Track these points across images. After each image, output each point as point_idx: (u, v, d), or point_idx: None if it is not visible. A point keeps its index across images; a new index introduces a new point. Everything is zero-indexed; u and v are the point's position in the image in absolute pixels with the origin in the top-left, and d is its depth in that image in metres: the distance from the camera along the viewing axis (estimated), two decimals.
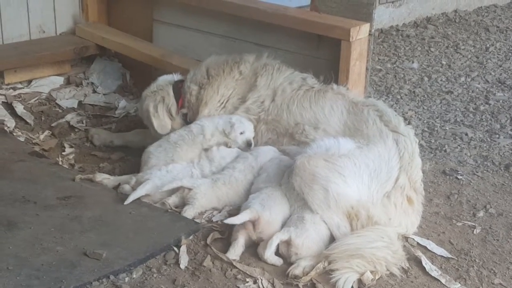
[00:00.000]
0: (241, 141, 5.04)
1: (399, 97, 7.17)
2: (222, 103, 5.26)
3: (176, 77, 5.53)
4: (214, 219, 4.50)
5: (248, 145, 5.05)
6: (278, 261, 4.15)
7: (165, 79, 5.53)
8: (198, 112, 5.29)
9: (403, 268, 4.20)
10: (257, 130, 5.12)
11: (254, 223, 4.23)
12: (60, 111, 6.24)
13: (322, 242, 4.25)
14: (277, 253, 4.20)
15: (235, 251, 4.17)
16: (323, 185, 4.35)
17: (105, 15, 7.16)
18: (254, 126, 5.11)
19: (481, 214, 4.95)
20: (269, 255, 4.12)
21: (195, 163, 4.89)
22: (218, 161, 4.91)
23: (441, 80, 7.69)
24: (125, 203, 4.55)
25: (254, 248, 4.23)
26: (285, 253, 4.18)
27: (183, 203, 4.59)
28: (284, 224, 4.33)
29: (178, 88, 5.41)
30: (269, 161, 4.81)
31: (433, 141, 6.15)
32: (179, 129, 5.20)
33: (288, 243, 4.16)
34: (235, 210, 4.57)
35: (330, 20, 5.39)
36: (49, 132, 5.85)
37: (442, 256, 4.41)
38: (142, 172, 4.85)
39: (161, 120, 5.36)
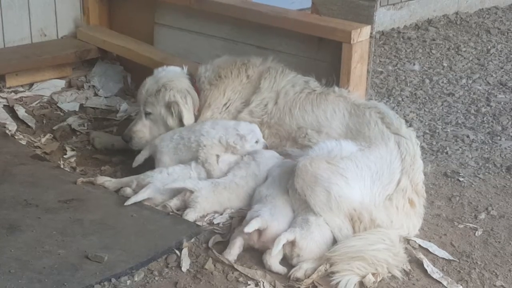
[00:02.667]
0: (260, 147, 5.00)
1: (400, 99, 7.16)
2: (227, 106, 5.25)
3: (185, 70, 5.44)
4: (215, 222, 4.51)
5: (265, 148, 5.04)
6: (282, 269, 4.14)
7: (177, 71, 5.42)
8: (200, 113, 5.28)
9: (404, 270, 4.20)
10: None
11: (261, 232, 4.22)
12: (61, 114, 6.24)
13: (325, 245, 4.24)
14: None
15: (232, 252, 4.17)
16: (325, 187, 4.35)
17: (106, 18, 7.17)
18: None
19: (482, 216, 4.95)
20: (275, 254, 4.10)
21: (193, 166, 4.88)
22: (219, 169, 4.90)
23: (443, 82, 7.68)
24: (125, 204, 4.57)
25: (255, 251, 4.23)
26: (288, 253, 4.17)
27: (184, 206, 4.59)
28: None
29: (193, 84, 5.37)
30: (273, 167, 4.80)
31: (434, 143, 6.15)
32: (183, 130, 5.13)
33: (292, 243, 4.16)
34: (237, 213, 4.57)
35: (331, 23, 5.40)
36: (50, 135, 5.85)
37: (443, 258, 4.41)
38: (143, 174, 4.86)
39: (190, 113, 5.27)
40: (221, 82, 5.29)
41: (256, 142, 4.98)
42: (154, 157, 5.06)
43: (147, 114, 5.33)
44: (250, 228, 4.16)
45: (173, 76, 5.35)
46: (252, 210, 4.42)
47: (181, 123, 5.24)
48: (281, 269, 4.13)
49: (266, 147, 5.02)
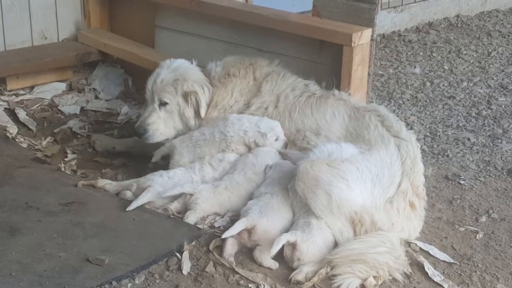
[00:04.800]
0: (278, 147, 5.01)
1: (401, 102, 7.17)
2: (232, 107, 5.24)
3: (195, 63, 5.43)
4: (216, 225, 4.51)
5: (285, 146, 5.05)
6: (273, 264, 4.15)
7: (189, 64, 5.40)
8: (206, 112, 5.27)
9: (405, 273, 4.20)
10: None
11: (250, 231, 4.22)
12: (62, 117, 6.25)
13: (326, 248, 4.24)
14: (276, 257, 4.21)
15: (226, 253, 4.18)
16: (326, 190, 4.34)
17: (107, 21, 7.17)
18: None
19: (483, 219, 4.95)
20: (273, 254, 4.09)
21: (197, 169, 4.88)
22: (222, 168, 4.90)
23: (443, 85, 7.68)
24: (127, 209, 4.56)
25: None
26: (289, 256, 4.18)
27: (185, 209, 4.59)
28: (285, 231, 4.30)
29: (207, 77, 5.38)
30: (271, 169, 4.80)
31: (435, 146, 6.15)
32: (203, 127, 5.12)
33: (293, 246, 4.16)
34: (237, 216, 4.56)
35: (332, 26, 5.40)
36: (51, 138, 5.85)
37: (444, 261, 4.41)
38: (143, 178, 4.86)
39: (206, 105, 5.26)
40: (229, 81, 5.28)
41: (276, 139, 4.99)
42: (171, 157, 5.04)
43: (162, 104, 5.25)
44: (234, 230, 4.18)
45: (188, 67, 5.35)
46: (245, 206, 4.45)
47: (197, 114, 5.23)
48: (272, 263, 4.13)
49: (286, 145, 5.04)
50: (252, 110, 5.17)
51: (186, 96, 5.20)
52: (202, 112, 5.20)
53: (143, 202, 4.61)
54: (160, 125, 5.25)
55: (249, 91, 5.26)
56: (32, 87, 6.55)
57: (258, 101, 5.18)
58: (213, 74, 5.35)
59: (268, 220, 4.29)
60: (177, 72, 5.27)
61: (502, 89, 7.64)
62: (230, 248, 4.21)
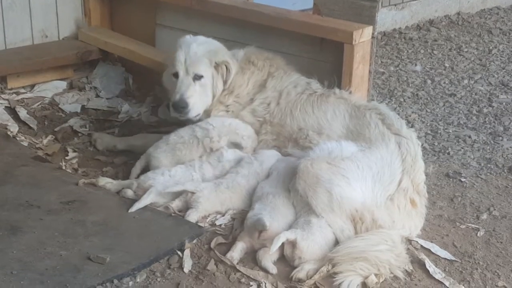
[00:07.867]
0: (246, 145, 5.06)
1: (402, 100, 7.16)
2: (243, 97, 5.26)
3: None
4: (217, 223, 4.51)
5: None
6: (271, 267, 4.13)
7: (211, 39, 5.46)
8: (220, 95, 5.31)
9: (406, 271, 4.20)
10: (262, 132, 5.13)
11: (261, 231, 4.22)
12: (63, 115, 6.24)
13: (327, 246, 4.23)
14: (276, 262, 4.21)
15: (234, 255, 4.17)
16: (326, 188, 4.35)
17: (107, 20, 7.16)
18: (258, 130, 5.12)
19: (484, 216, 4.95)
20: (272, 251, 4.09)
21: (197, 167, 4.88)
22: (222, 165, 4.90)
23: (444, 83, 7.68)
24: (130, 211, 4.54)
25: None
26: (290, 255, 4.17)
27: (186, 207, 4.59)
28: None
29: None
30: (277, 162, 4.81)
31: (436, 143, 6.15)
32: (180, 130, 5.13)
33: (293, 245, 4.16)
34: (239, 214, 4.57)
35: (333, 23, 5.40)
36: (52, 137, 5.84)
37: (445, 258, 4.40)
38: (144, 176, 4.85)
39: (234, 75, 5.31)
40: (247, 69, 5.33)
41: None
42: (150, 165, 5.04)
43: (197, 78, 5.20)
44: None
45: (213, 41, 5.41)
46: (253, 210, 4.42)
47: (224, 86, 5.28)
48: (270, 267, 4.12)
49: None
50: (255, 105, 5.19)
51: (217, 67, 5.23)
52: (229, 82, 5.24)
53: (146, 203, 4.60)
54: (197, 99, 5.19)
55: (259, 85, 5.28)
56: (32, 86, 6.55)
57: (261, 96, 5.21)
58: (236, 57, 5.38)
59: (278, 224, 4.30)
60: (207, 45, 5.32)
61: (503, 86, 7.64)
62: (239, 253, 4.19)
